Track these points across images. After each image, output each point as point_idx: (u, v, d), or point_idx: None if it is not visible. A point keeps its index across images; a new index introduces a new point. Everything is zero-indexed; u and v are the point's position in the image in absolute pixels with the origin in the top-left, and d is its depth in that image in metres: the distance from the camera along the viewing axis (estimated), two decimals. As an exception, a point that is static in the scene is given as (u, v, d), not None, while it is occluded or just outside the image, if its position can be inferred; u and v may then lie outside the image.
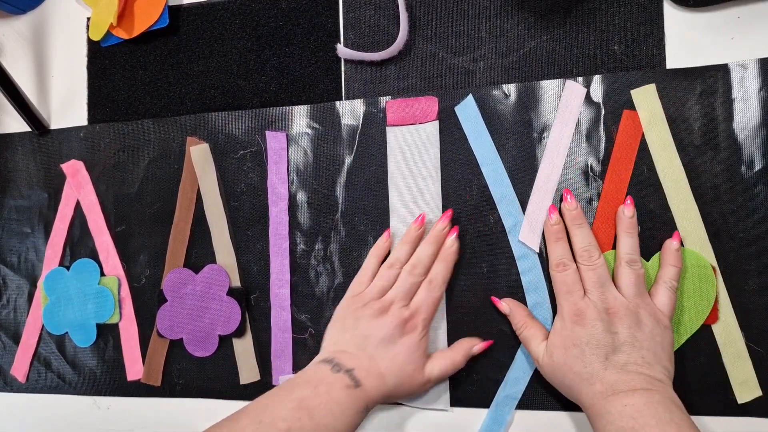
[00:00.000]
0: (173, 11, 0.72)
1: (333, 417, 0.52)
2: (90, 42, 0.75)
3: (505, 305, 0.59)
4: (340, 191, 0.65)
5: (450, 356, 0.59)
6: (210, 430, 0.51)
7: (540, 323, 0.58)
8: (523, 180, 0.61)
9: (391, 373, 0.56)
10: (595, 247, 0.55)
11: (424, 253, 0.60)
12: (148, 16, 0.71)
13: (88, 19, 0.75)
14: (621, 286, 0.54)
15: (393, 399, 0.59)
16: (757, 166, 0.55)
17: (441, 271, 0.60)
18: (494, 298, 0.60)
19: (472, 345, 0.60)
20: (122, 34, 0.72)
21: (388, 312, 0.59)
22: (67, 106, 0.76)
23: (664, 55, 0.58)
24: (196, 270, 0.68)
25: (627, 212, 0.56)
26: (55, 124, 0.76)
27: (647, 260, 0.57)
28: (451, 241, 0.61)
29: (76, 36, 0.76)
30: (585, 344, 0.51)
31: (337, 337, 0.60)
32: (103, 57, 0.75)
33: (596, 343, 0.51)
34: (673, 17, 0.59)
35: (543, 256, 0.60)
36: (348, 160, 0.65)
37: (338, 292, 0.65)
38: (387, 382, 0.56)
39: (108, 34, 0.73)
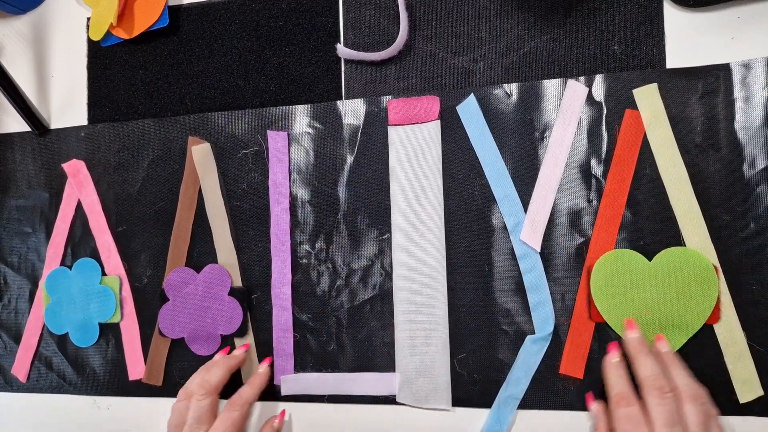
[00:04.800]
0: (173, 11, 0.72)
1: None
2: (90, 42, 0.75)
3: (594, 408, 0.56)
4: (341, 191, 0.65)
5: None
6: None
7: None
8: (524, 179, 0.61)
9: None
10: (664, 377, 0.51)
11: (212, 374, 0.62)
12: (148, 16, 0.71)
13: (88, 19, 0.75)
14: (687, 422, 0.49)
15: None
16: (759, 166, 0.55)
17: (245, 392, 0.62)
18: (588, 398, 0.58)
19: (272, 422, 0.64)
20: (122, 34, 0.72)
21: None
22: (67, 106, 0.76)
23: (664, 55, 0.58)
24: (198, 270, 0.68)
25: (632, 335, 0.55)
26: (55, 124, 0.76)
27: (650, 260, 0.57)
28: (264, 367, 0.65)
29: (76, 36, 0.76)
30: None
31: None
32: (103, 57, 0.75)
33: None
34: (673, 17, 0.58)
35: (544, 256, 0.60)
36: (349, 159, 0.65)
37: (340, 292, 0.65)
38: None
39: (108, 34, 0.73)
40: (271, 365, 0.66)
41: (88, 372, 0.72)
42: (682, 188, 0.57)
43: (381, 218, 0.64)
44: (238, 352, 0.66)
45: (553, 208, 0.60)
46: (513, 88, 0.61)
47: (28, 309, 0.75)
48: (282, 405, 0.66)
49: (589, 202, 0.59)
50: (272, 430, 0.64)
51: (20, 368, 0.75)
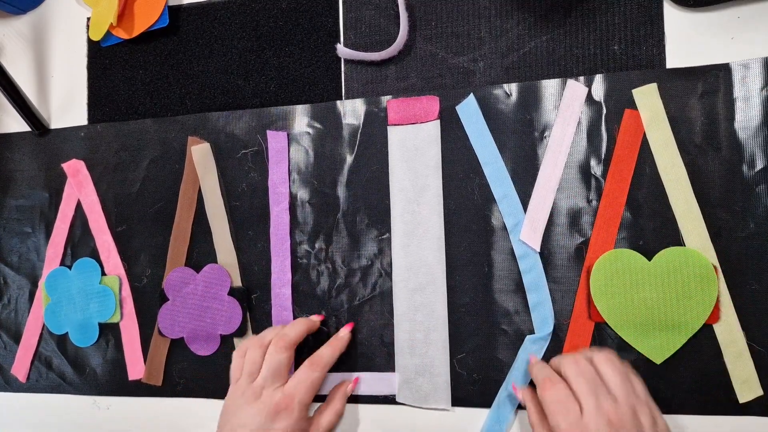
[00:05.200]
0: (173, 11, 0.72)
1: None
2: (90, 42, 0.75)
3: (521, 395, 0.57)
4: (341, 191, 0.65)
5: (331, 408, 0.62)
6: None
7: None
8: (524, 179, 0.61)
9: None
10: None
11: (291, 329, 0.60)
12: (148, 16, 0.71)
13: (88, 19, 0.75)
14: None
15: None
16: (759, 166, 0.55)
17: (325, 354, 0.60)
18: (514, 389, 0.59)
19: (345, 387, 0.63)
20: (122, 34, 0.72)
21: (260, 397, 0.57)
22: (67, 106, 0.76)
23: (664, 55, 0.58)
24: (198, 269, 0.68)
25: (532, 360, 0.57)
26: (55, 124, 0.76)
27: (649, 260, 0.57)
28: (345, 332, 0.63)
29: (76, 36, 0.76)
30: None
31: (221, 430, 0.58)
32: (103, 57, 0.75)
33: None
34: (673, 17, 0.58)
35: (544, 256, 0.60)
36: (349, 159, 0.65)
37: (339, 292, 0.65)
38: None
39: (108, 34, 0.73)
40: (352, 331, 0.64)
41: (88, 372, 0.72)
42: (682, 188, 0.57)
43: (380, 218, 0.64)
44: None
45: (552, 208, 0.60)
46: (512, 88, 0.61)
47: (27, 309, 0.75)
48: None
49: (589, 202, 0.59)
50: (343, 395, 0.63)
51: (20, 368, 0.75)
